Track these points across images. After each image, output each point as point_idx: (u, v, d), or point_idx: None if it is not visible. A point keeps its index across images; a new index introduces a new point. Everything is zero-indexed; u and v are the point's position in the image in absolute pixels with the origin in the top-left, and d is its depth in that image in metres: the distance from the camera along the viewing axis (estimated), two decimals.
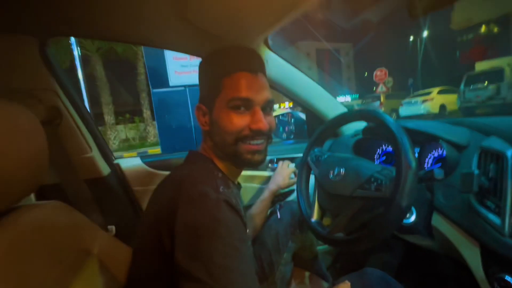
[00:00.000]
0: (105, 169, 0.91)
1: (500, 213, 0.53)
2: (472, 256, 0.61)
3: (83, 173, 0.82)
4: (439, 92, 10.49)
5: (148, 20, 0.67)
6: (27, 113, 0.48)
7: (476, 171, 0.59)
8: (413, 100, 10.90)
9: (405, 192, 0.54)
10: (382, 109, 12.00)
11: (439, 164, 0.79)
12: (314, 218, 0.76)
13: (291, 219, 0.90)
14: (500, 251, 0.53)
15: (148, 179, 0.98)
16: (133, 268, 0.57)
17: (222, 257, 0.43)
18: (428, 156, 0.82)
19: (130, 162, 1.01)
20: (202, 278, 0.42)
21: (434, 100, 10.22)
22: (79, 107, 0.84)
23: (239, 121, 0.55)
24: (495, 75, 8.12)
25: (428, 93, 10.61)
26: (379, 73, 12.35)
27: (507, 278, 0.52)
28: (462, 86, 8.67)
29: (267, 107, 0.59)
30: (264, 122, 0.56)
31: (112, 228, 0.83)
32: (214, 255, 0.43)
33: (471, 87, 8.38)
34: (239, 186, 0.68)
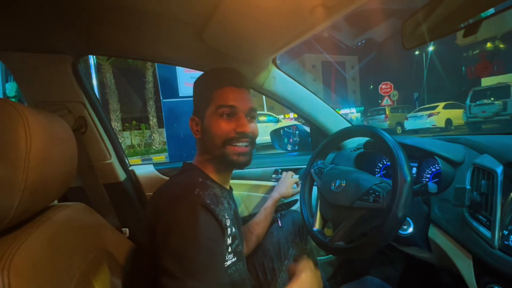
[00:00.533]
0: (121, 175, 0.97)
1: (490, 226, 0.57)
2: (465, 267, 0.64)
3: (102, 177, 0.88)
4: (445, 107, 10.49)
5: (168, 41, 0.75)
6: (62, 122, 0.54)
7: (468, 186, 0.63)
8: (418, 114, 10.90)
9: (401, 204, 0.58)
10: (387, 122, 12.01)
11: (436, 179, 0.83)
12: (316, 227, 0.80)
13: (292, 227, 0.95)
14: (491, 263, 0.56)
15: (159, 185, 1.04)
16: (135, 265, 0.63)
17: (195, 255, 0.50)
18: (426, 171, 0.86)
19: (143, 169, 1.07)
20: (175, 273, 0.48)
21: (440, 114, 10.21)
22: (101, 117, 0.92)
23: (226, 125, 0.64)
24: (501, 91, 8.13)
25: (434, 107, 10.62)
26: (385, 87, 12.44)
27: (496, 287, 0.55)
28: (468, 101, 8.68)
29: (250, 115, 0.68)
30: (247, 126, 0.65)
31: (126, 230, 0.88)
32: (187, 252, 0.50)
33: (477, 102, 8.38)
34: (230, 190, 0.75)
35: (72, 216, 0.56)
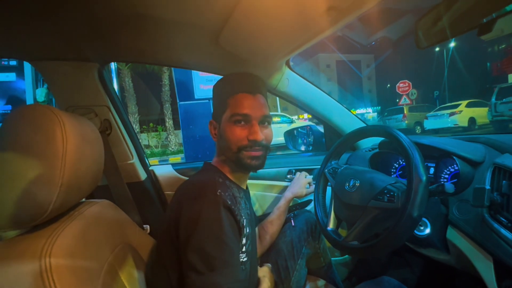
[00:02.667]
0: (143, 175, 1.02)
1: None
2: (485, 269, 0.62)
3: (125, 177, 0.93)
4: (468, 105, 10.00)
5: (186, 46, 0.79)
6: (91, 125, 0.59)
7: (488, 187, 0.62)
8: (439, 113, 10.46)
9: (416, 204, 0.58)
10: (405, 122, 11.62)
11: (455, 180, 0.81)
12: (330, 226, 0.81)
13: (305, 226, 0.96)
14: None
15: (177, 184, 1.09)
16: (155, 259, 0.67)
17: (217, 251, 0.54)
18: (444, 172, 0.85)
19: (163, 169, 1.12)
20: (199, 268, 0.52)
21: (462, 113, 9.74)
22: (125, 120, 0.98)
23: (239, 133, 0.67)
24: None
25: (456, 106, 10.15)
26: (403, 85, 12.04)
27: None
28: (493, 99, 8.22)
29: (265, 122, 0.70)
30: (259, 134, 0.67)
31: (147, 227, 0.93)
32: (207, 247, 0.53)
33: (504, 100, 7.92)
34: (246, 190, 0.78)
35: (100, 212, 0.61)
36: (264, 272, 0.79)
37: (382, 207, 0.65)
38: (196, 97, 3.46)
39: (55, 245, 0.42)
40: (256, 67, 0.88)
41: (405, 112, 11.86)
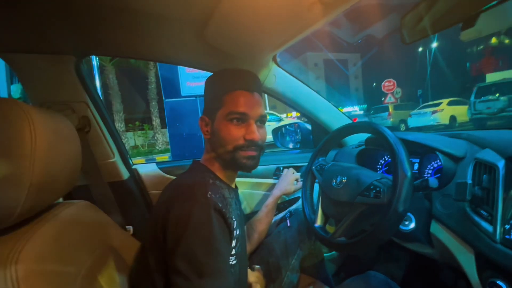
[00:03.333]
0: (125, 174, 0.99)
1: (492, 221, 0.57)
2: (467, 262, 0.64)
3: (106, 176, 0.90)
4: (449, 103, 10.39)
5: (169, 40, 0.76)
6: (66, 121, 0.56)
7: (470, 181, 0.63)
8: (422, 111, 10.81)
9: (401, 199, 0.58)
10: (390, 120, 11.93)
11: (438, 175, 0.83)
12: (318, 223, 0.81)
13: (300, 226, 0.95)
14: (493, 257, 0.56)
15: (162, 183, 1.06)
16: (139, 261, 0.64)
17: (204, 255, 0.51)
18: (427, 167, 0.86)
19: (147, 168, 1.09)
20: (188, 274, 0.49)
21: (444, 111, 10.11)
22: (105, 117, 0.93)
23: (236, 132, 0.64)
24: (507, 87, 8.03)
25: (438, 104, 10.52)
26: (388, 84, 12.35)
27: (499, 282, 0.55)
28: (472, 98, 8.59)
29: (261, 121, 0.68)
30: (256, 134, 0.65)
31: (130, 228, 0.90)
32: (197, 253, 0.51)
33: (482, 98, 8.29)
34: (235, 189, 0.75)
35: (77, 214, 0.57)
36: (255, 277, 0.78)
37: (369, 202, 0.66)
38: (182, 94, 3.39)
39: (23, 250, 0.38)
40: (242, 62, 0.86)
41: (390, 110, 12.17)
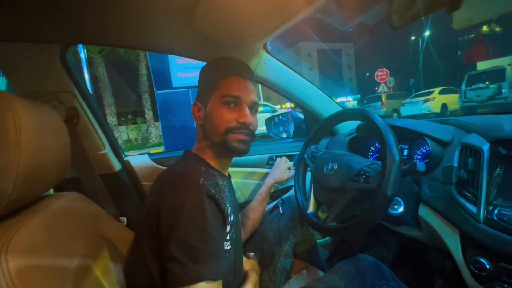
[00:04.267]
0: (117, 165, 0.98)
1: (476, 202, 0.59)
2: (453, 242, 0.66)
3: (97, 168, 0.89)
4: (441, 92, 10.50)
5: (156, 28, 0.74)
6: (53, 113, 0.54)
7: (456, 165, 0.65)
8: (414, 100, 10.92)
9: (390, 183, 0.60)
10: (383, 109, 12.03)
11: (427, 160, 0.85)
12: (310, 210, 0.82)
13: (293, 213, 0.97)
14: (476, 236, 0.59)
15: (155, 175, 1.05)
16: (133, 251, 0.64)
17: (201, 243, 0.52)
18: (416, 152, 0.88)
19: (139, 159, 1.08)
20: (182, 260, 0.50)
21: (435, 99, 10.23)
22: (93, 108, 0.91)
23: (229, 114, 0.65)
24: (496, 75, 8.14)
25: (430, 93, 10.62)
26: (381, 73, 12.39)
27: (481, 260, 0.58)
28: (463, 86, 8.69)
29: (253, 108, 0.70)
30: (249, 117, 0.66)
31: (124, 219, 0.90)
32: (194, 241, 0.51)
33: (472, 86, 8.40)
34: (229, 177, 0.76)
35: (69, 205, 0.57)
36: (250, 265, 0.79)
37: (359, 188, 0.67)
38: (174, 85, 3.32)
39: (12, 240, 0.38)
40: (232, 50, 0.85)
41: (383, 99, 12.26)
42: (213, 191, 0.58)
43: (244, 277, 0.74)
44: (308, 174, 0.89)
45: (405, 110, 10.88)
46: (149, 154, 1.11)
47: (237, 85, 0.66)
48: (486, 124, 0.72)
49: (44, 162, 0.47)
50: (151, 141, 11.95)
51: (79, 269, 0.49)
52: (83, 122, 0.86)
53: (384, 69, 11.94)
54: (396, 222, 0.84)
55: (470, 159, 0.64)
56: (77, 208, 0.59)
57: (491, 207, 0.58)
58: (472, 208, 0.60)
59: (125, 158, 1.05)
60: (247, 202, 1.02)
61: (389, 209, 0.78)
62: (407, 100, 11.29)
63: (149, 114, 12.04)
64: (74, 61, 0.86)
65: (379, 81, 12.31)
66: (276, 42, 0.88)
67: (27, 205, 0.48)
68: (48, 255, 0.43)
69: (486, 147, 0.61)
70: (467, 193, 0.63)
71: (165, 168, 1.09)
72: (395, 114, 12.08)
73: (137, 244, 0.63)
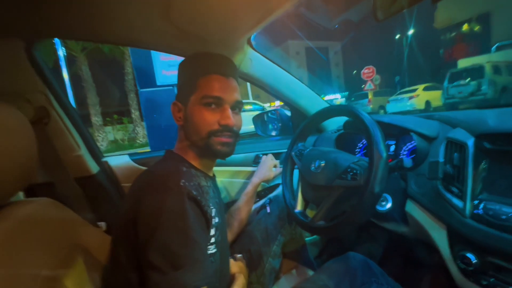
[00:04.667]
0: (94, 167, 0.92)
1: (462, 197, 0.59)
2: (440, 237, 0.66)
3: (72, 171, 0.83)
4: (425, 89, 10.80)
5: (131, 21, 0.69)
6: (15, 113, 0.49)
7: (442, 160, 0.64)
8: (399, 97, 11.19)
9: (377, 180, 0.58)
10: (370, 106, 12.26)
11: (413, 155, 0.85)
12: (298, 208, 0.80)
13: (281, 212, 0.95)
14: (463, 231, 0.58)
15: (136, 176, 1.01)
16: (111, 258, 0.60)
17: (182, 248, 0.48)
18: (403, 148, 0.88)
19: (118, 160, 1.02)
20: (162, 267, 0.47)
21: (419, 96, 10.51)
22: (66, 107, 0.85)
23: (210, 116, 0.62)
24: (476, 72, 8.44)
25: (414, 90, 10.91)
26: (367, 71, 12.58)
27: (468, 255, 0.58)
28: (445, 83, 8.97)
29: (236, 107, 0.66)
30: (231, 119, 0.63)
31: (103, 224, 0.85)
32: (175, 246, 0.48)
33: (454, 83, 8.68)
34: (213, 177, 0.73)
35: (37, 212, 0.52)
36: (238, 267, 0.76)
37: (346, 185, 0.66)
38: (158, 83, 3.23)
39: None
40: (215, 46, 0.82)
41: (369, 97, 12.48)
42: (195, 193, 0.55)
43: (231, 280, 0.71)
44: (296, 172, 0.88)
45: (391, 107, 11.13)
46: (130, 155, 1.06)
47: (218, 84, 0.62)
48: (470, 118, 0.72)
49: (4, 167, 0.43)
50: (138, 141, 11.67)
51: (46, 280, 0.45)
52: (54, 122, 0.80)
53: (371, 66, 12.13)
54: (383, 218, 0.83)
55: (455, 154, 0.64)
56: (46, 215, 0.54)
57: (477, 202, 0.58)
58: (458, 202, 0.59)
59: (104, 159, 1.00)
60: (234, 201, 0.99)
61: (377, 206, 0.77)
62: (393, 97, 11.55)
63: (135, 114, 11.76)
64: (53, 59, 0.80)
65: (366, 79, 12.51)
66: (264, 40, 0.85)
67: None
68: (9, 268, 0.39)
69: (470, 141, 0.61)
70: (453, 188, 0.63)
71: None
72: (382, 111, 12.33)
73: (114, 251, 0.58)
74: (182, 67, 0.68)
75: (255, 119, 1.43)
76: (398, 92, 12.33)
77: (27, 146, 0.50)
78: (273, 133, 1.40)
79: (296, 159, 0.85)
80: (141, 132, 11.61)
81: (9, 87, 0.73)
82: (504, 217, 0.52)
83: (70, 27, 0.68)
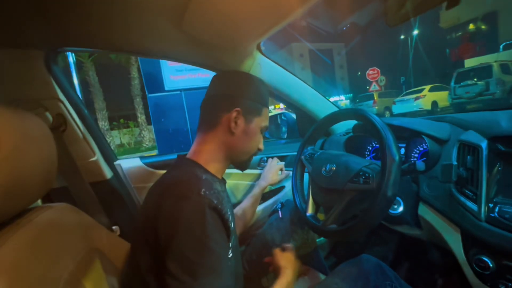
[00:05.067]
0: (108, 173, 0.94)
1: (476, 200, 0.58)
2: (454, 241, 0.66)
3: (87, 176, 0.85)
4: (431, 90, 10.68)
5: (145, 31, 0.71)
6: (37, 121, 0.51)
7: (455, 163, 0.64)
8: (405, 98, 11.07)
9: (390, 183, 0.58)
10: (376, 107, 12.17)
11: (424, 158, 0.84)
12: (309, 212, 0.81)
13: (292, 217, 0.94)
14: (478, 235, 0.58)
15: (147, 178, 1.03)
16: (129, 263, 0.61)
17: (202, 258, 0.49)
18: (414, 151, 0.88)
19: (130, 163, 1.05)
20: (181, 276, 0.47)
21: (426, 97, 10.40)
22: (82, 114, 0.88)
23: (259, 142, 0.72)
24: (484, 72, 8.30)
25: (420, 91, 10.79)
26: (372, 72, 12.53)
27: (485, 258, 0.57)
28: (452, 83, 8.85)
29: None
30: (263, 144, 0.74)
31: (117, 228, 0.86)
32: (195, 256, 0.48)
33: (461, 83, 8.56)
34: (223, 180, 0.73)
35: (55, 217, 0.54)
36: (286, 260, 0.73)
37: (358, 189, 0.66)
38: (166, 88, 3.27)
39: None
40: (225, 52, 0.83)
41: (375, 98, 12.39)
42: (215, 202, 0.54)
43: (276, 274, 0.70)
44: (306, 175, 0.88)
45: (396, 108, 11.03)
46: (141, 158, 1.08)
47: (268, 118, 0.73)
48: (482, 121, 0.72)
49: (26, 173, 0.44)
50: (144, 145, 11.80)
51: (67, 284, 0.46)
52: (71, 129, 0.83)
53: (375, 68, 12.07)
54: (395, 222, 0.83)
55: (468, 156, 0.64)
56: (64, 219, 0.56)
57: (492, 205, 0.57)
58: (472, 206, 0.59)
59: (116, 162, 1.02)
60: (238, 203, 1.00)
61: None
62: (398, 98, 11.44)
63: (141, 118, 11.90)
64: (62, 66, 0.82)
65: (371, 80, 12.44)
66: (268, 43, 0.87)
67: (10, 220, 0.45)
68: (32, 274, 0.41)
69: (484, 144, 0.61)
70: (467, 191, 0.63)
71: (157, 171, 1.06)
72: (387, 112, 12.22)
73: (132, 256, 0.59)
74: (252, 83, 0.69)
75: None
76: (404, 93, 12.21)
77: (49, 153, 0.52)
78: (278, 135, 1.40)
79: (306, 163, 0.85)
80: (147, 136, 11.73)
81: (27, 95, 0.76)
82: None
83: (88, 38, 0.71)
